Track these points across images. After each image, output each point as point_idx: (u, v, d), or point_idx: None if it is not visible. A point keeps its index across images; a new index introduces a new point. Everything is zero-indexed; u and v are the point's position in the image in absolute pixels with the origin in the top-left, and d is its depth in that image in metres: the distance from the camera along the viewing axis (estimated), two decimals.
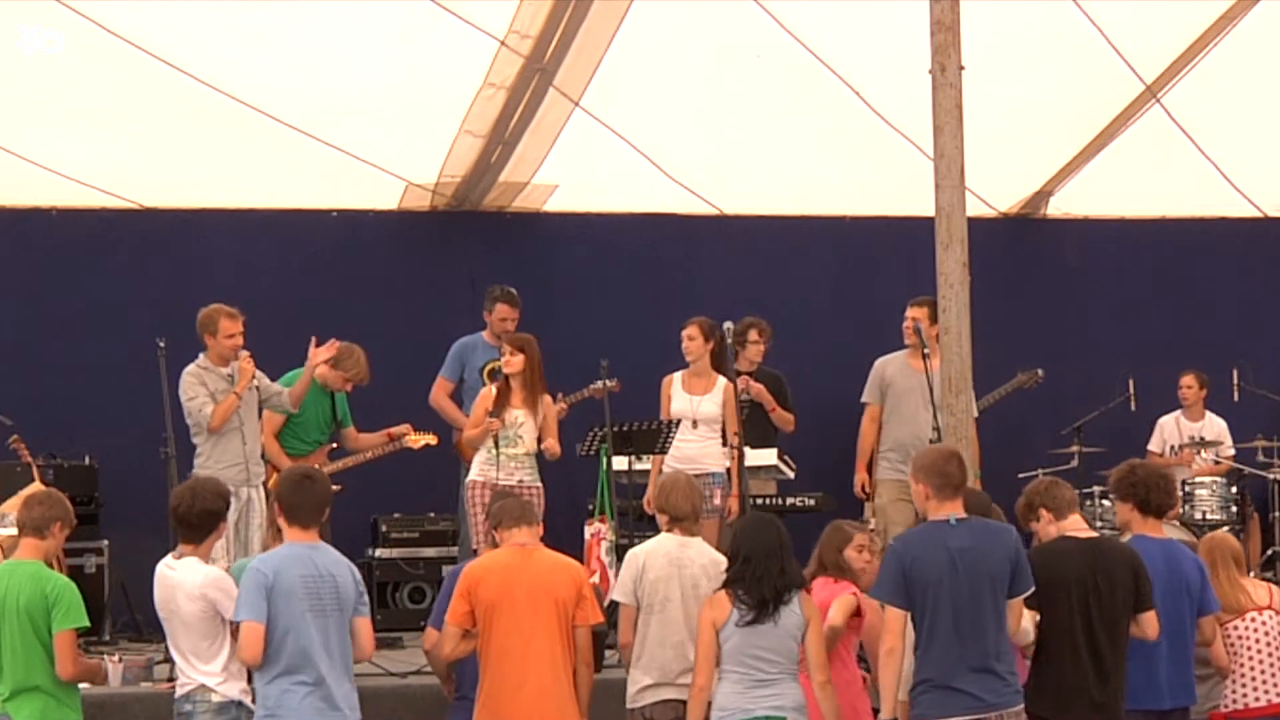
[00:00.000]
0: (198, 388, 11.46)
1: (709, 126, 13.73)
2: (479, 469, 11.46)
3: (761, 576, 8.32)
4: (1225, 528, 13.23)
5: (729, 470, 11.97)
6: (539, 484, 11.44)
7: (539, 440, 11.41)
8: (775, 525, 8.61)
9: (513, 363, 11.46)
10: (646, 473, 12.04)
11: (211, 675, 8.11)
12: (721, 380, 12.04)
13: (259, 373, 11.66)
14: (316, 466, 11.87)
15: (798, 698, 8.26)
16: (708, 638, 8.36)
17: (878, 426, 12.87)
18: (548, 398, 11.56)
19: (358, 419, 12.58)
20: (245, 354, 11.60)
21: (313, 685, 7.86)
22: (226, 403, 11.42)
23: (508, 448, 11.35)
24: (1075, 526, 8.26)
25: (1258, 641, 8.96)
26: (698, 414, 12.01)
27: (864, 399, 12.99)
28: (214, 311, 11.65)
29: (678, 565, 8.82)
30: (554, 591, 8.28)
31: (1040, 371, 14.04)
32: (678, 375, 12.20)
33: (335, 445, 12.46)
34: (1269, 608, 9.01)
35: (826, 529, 9.05)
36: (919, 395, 12.17)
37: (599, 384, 12.16)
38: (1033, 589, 7.87)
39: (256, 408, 11.72)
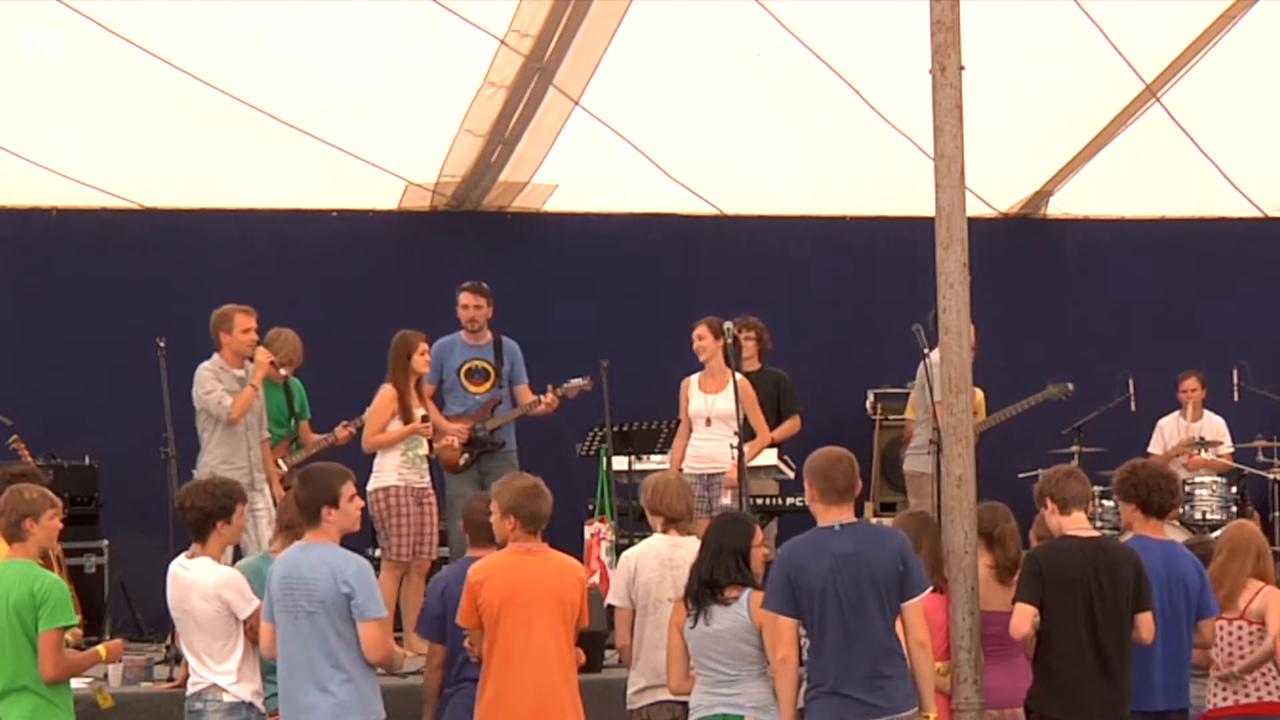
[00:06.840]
0: (214, 382, 11.49)
1: (709, 126, 13.72)
2: (398, 474, 11.45)
3: (694, 574, 8.26)
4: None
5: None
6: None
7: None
8: (720, 525, 8.41)
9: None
10: (646, 473, 11.99)
11: (224, 675, 8.12)
12: (734, 376, 11.98)
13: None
14: (279, 460, 11.91)
15: (759, 696, 8.15)
16: (674, 639, 8.33)
17: None
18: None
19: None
20: (261, 349, 11.65)
21: (280, 684, 7.88)
22: (245, 395, 11.49)
23: (416, 449, 11.40)
24: (1079, 525, 8.22)
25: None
26: (712, 412, 11.94)
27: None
28: (228, 310, 11.69)
29: (669, 566, 8.77)
30: (561, 593, 8.27)
31: (1070, 385, 13.56)
32: (694, 377, 12.12)
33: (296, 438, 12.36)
34: (1240, 618, 8.92)
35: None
36: None
37: (573, 382, 12.18)
38: (929, 589, 7.81)
39: (260, 413, 11.73)
